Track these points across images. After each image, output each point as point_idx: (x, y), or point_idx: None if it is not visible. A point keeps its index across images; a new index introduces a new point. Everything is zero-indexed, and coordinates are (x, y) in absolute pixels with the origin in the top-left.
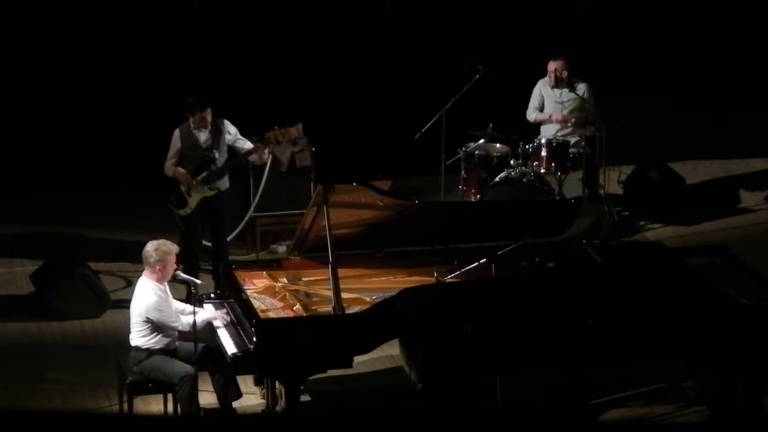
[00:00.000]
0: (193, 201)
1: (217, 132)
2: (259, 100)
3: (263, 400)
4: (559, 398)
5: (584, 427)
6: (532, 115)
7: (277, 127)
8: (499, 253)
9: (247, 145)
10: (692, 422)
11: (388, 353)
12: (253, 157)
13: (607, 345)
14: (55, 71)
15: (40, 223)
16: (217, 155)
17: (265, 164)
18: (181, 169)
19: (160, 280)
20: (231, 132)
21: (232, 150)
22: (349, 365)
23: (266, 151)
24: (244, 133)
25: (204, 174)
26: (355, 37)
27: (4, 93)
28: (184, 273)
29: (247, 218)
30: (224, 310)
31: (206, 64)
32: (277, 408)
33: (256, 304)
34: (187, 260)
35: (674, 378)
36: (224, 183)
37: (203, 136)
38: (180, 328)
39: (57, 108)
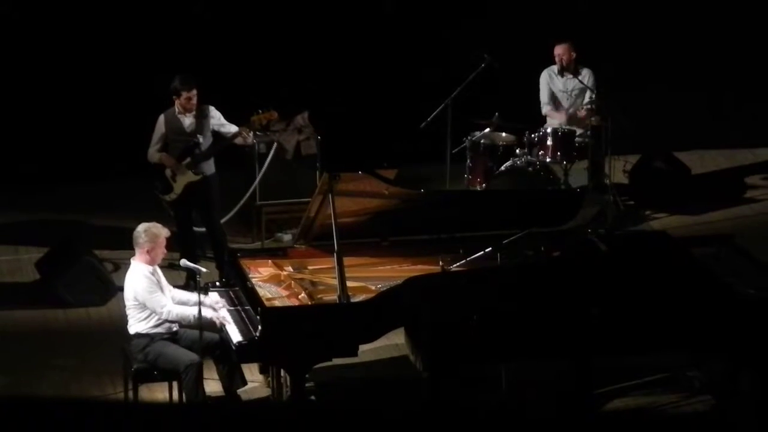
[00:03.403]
0: (179, 186)
1: (202, 117)
2: (264, 89)
3: (268, 389)
4: (564, 387)
5: (589, 417)
6: (545, 108)
7: (260, 111)
8: (504, 242)
9: (233, 128)
10: (697, 412)
11: (394, 342)
12: (239, 140)
13: (612, 334)
14: (56, 62)
15: (45, 211)
16: (201, 140)
17: (269, 151)
18: (165, 154)
19: (150, 263)
20: (215, 117)
21: (218, 135)
22: (355, 354)
23: (249, 133)
24: (234, 122)
25: (188, 159)
26: (361, 25)
27: (8, 85)
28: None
29: (243, 200)
30: (222, 313)
31: (209, 58)
32: (282, 396)
33: (261, 292)
34: (185, 248)
35: (679, 368)
36: (210, 168)
37: (188, 120)
38: (164, 316)
39: (60, 98)
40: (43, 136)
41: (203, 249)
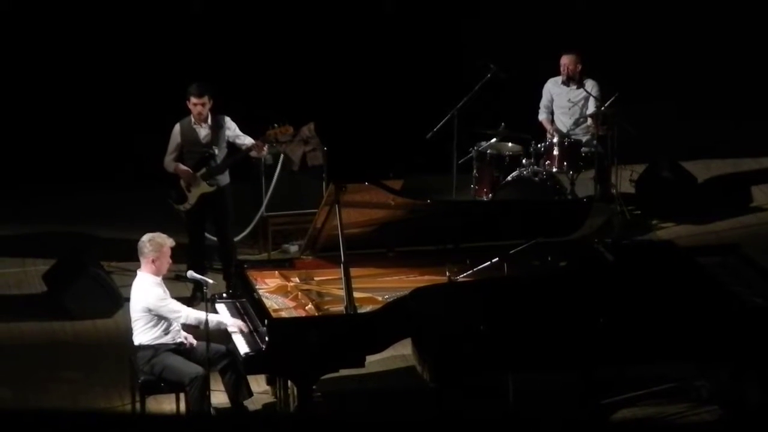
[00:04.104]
0: (193, 196)
1: (217, 127)
2: (270, 100)
3: (275, 400)
4: (570, 397)
5: (596, 427)
6: (541, 115)
7: (276, 125)
8: (511, 252)
9: (248, 141)
10: (704, 421)
11: (401, 353)
12: (253, 153)
13: (620, 345)
14: (65, 71)
15: (52, 223)
16: (216, 151)
17: (276, 163)
18: (182, 165)
19: (156, 273)
20: (231, 128)
21: (233, 146)
22: (362, 365)
23: (264, 147)
24: (248, 134)
25: (204, 170)
26: (366, 35)
27: (16, 93)
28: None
29: (258, 217)
30: (240, 321)
31: (214, 66)
32: (289, 407)
33: (268, 303)
34: (194, 259)
35: (686, 377)
36: (225, 179)
37: (203, 131)
38: (181, 320)
39: (67, 108)
40: (48, 145)
41: (210, 260)
